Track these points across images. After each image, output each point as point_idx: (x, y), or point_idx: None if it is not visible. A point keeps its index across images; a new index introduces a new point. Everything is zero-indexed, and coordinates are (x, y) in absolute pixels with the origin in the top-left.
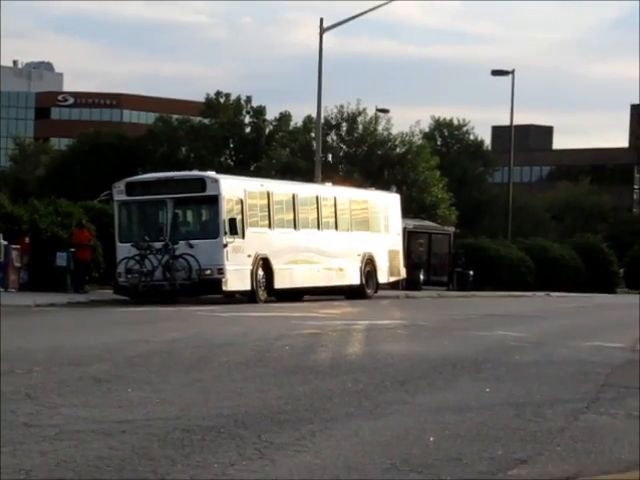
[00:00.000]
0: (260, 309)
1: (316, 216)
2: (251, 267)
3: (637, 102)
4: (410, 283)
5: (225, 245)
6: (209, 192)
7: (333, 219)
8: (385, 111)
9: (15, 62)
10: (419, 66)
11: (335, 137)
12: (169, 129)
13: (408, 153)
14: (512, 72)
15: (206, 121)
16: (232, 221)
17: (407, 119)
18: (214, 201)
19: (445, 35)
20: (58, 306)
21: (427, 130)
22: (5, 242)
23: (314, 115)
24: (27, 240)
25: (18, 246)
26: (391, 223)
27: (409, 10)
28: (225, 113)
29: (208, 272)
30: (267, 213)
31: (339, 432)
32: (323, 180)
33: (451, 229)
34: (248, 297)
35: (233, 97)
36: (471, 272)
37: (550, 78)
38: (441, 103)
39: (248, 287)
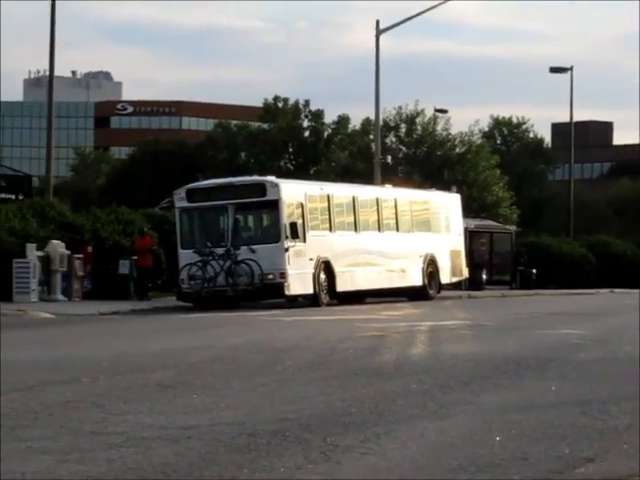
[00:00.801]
0: (323, 312)
1: (377, 218)
2: (313, 270)
3: None
4: (473, 283)
5: (286, 249)
6: (269, 197)
7: (394, 220)
8: (444, 111)
9: (74, 72)
10: (477, 65)
11: (394, 138)
12: (228, 135)
13: (468, 153)
14: (570, 69)
15: (265, 126)
16: (293, 225)
17: (466, 119)
18: (275, 206)
19: (502, 33)
20: (122, 314)
21: (486, 129)
22: (68, 251)
23: (372, 117)
24: (90, 249)
25: (81, 255)
26: (452, 223)
27: (465, 9)
28: (283, 117)
29: (270, 277)
30: (327, 216)
31: (404, 433)
32: (383, 182)
33: (513, 228)
34: (310, 301)
35: (291, 101)
36: (534, 270)
37: (609, 73)
38: (500, 102)
39: (310, 291)
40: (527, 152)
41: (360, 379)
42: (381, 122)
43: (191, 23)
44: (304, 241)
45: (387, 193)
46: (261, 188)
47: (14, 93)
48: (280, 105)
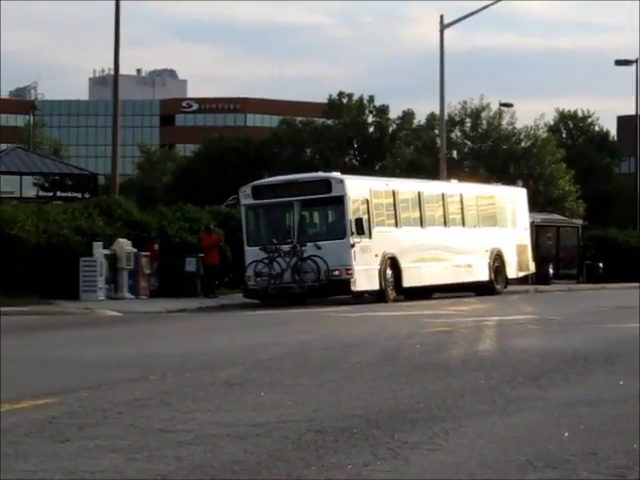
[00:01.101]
0: (389, 308)
1: (442, 213)
2: (379, 266)
3: None
4: (539, 277)
5: (352, 245)
6: (335, 193)
7: (460, 215)
8: (509, 105)
9: (139, 70)
10: (542, 58)
11: (459, 133)
12: (293, 131)
13: (533, 147)
14: (636, 61)
15: (329, 122)
16: (358, 221)
17: (531, 112)
18: (340, 202)
19: (567, 25)
20: (189, 311)
21: (552, 123)
22: (135, 249)
23: (437, 112)
24: (156, 246)
25: (147, 253)
26: (518, 218)
27: (530, 1)
28: (348, 113)
29: (336, 273)
30: (393, 212)
31: (473, 429)
32: (448, 177)
33: (579, 221)
34: (377, 296)
35: (355, 97)
36: (600, 264)
37: None
38: (565, 95)
39: (377, 287)
40: (593, 145)
41: (428, 375)
42: (446, 117)
43: (256, 19)
44: (370, 237)
45: (453, 188)
46: (326, 184)
47: (80, 92)
48: (345, 101)
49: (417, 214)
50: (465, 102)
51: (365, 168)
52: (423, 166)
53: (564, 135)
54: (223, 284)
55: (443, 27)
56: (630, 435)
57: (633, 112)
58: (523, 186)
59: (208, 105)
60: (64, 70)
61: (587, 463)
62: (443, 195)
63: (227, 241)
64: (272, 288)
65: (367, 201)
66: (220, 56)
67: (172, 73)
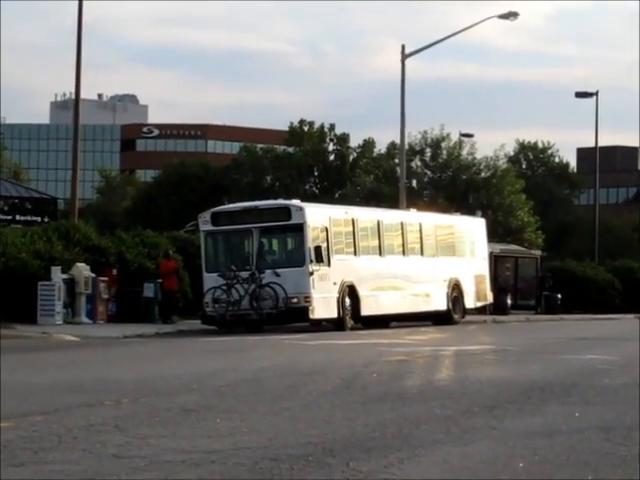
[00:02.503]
0: (347, 337)
1: (401, 242)
2: (337, 295)
3: None
4: (497, 307)
5: (311, 273)
6: (294, 220)
7: (419, 245)
8: (469, 135)
9: (100, 95)
10: (503, 89)
11: (419, 162)
12: (254, 158)
13: (493, 177)
14: (596, 93)
15: (290, 149)
16: (317, 249)
17: (491, 143)
18: (299, 229)
19: (528, 57)
20: (146, 337)
21: (512, 153)
22: (93, 274)
23: (398, 141)
24: (114, 272)
25: (106, 278)
26: (477, 248)
27: (491, 32)
28: (309, 141)
29: (295, 300)
30: (352, 240)
31: (428, 459)
32: (408, 206)
33: (538, 252)
34: (335, 325)
35: (317, 125)
36: (559, 295)
37: (635, 98)
38: (525, 126)
39: (335, 315)
40: (552, 177)
41: (384, 404)
42: (406, 146)
43: (217, 46)
44: (328, 265)
45: (412, 217)
46: (286, 212)
47: (41, 116)
48: (306, 129)
49: (376, 243)
50: (425, 132)
51: (325, 196)
52: (383, 195)
53: (524, 166)
54: (180, 310)
55: (404, 57)
56: (584, 466)
57: (593, 144)
58: (482, 216)
59: (169, 131)
60: (25, 94)
61: None
62: (402, 224)
63: (185, 267)
64: (230, 315)
65: (326, 229)
66: (182, 82)
67: (133, 98)
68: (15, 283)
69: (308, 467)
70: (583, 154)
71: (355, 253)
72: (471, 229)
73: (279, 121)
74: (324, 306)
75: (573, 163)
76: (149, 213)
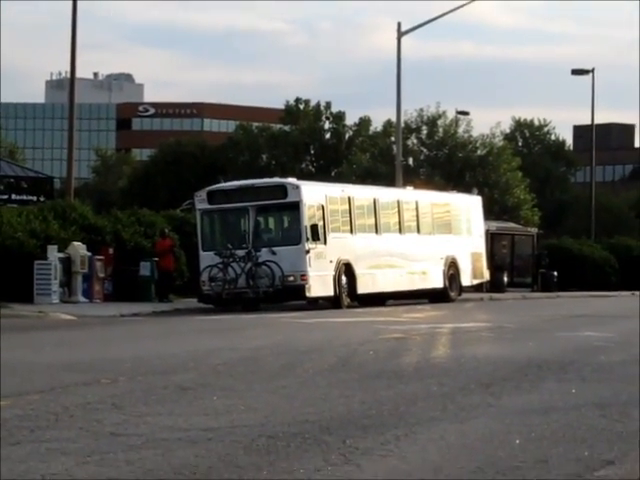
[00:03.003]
0: (344, 315)
1: (398, 220)
2: (334, 273)
3: None
4: (494, 285)
5: (307, 251)
6: (290, 199)
7: (415, 223)
8: (465, 113)
9: (95, 74)
10: (499, 67)
11: (415, 141)
12: (249, 137)
13: (489, 155)
14: (592, 71)
15: (286, 128)
16: (314, 227)
17: (487, 121)
18: (295, 208)
19: (524, 35)
20: (142, 316)
21: (508, 131)
22: (89, 253)
23: (394, 119)
24: (111, 251)
25: (102, 257)
26: (473, 225)
27: (487, 10)
28: (305, 119)
29: (291, 279)
30: (348, 218)
31: (424, 436)
32: (404, 184)
33: (534, 230)
34: (331, 303)
35: (312, 103)
36: (555, 273)
37: (631, 75)
38: (521, 104)
39: (331, 293)
40: (549, 154)
41: (380, 381)
42: (402, 124)
43: (213, 25)
44: (325, 243)
45: (408, 195)
46: (282, 190)
47: (36, 95)
48: (301, 107)
49: (372, 221)
50: (422, 110)
51: (321, 174)
52: (379, 173)
53: (520, 144)
54: (177, 289)
55: (400, 34)
56: (580, 443)
57: (589, 122)
58: (478, 194)
59: (164, 110)
60: (21, 73)
61: (538, 470)
62: (398, 202)
63: (182, 246)
64: (226, 293)
65: (323, 207)
66: (177, 61)
67: (129, 77)
68: (11, 262)
69: (305, 444)
70: (579, 132)
71: (351, 231)
72: (467, 207)
73: (275, 99)
74: (320, 284)
75: (569, 141)
76: (145, 192)
